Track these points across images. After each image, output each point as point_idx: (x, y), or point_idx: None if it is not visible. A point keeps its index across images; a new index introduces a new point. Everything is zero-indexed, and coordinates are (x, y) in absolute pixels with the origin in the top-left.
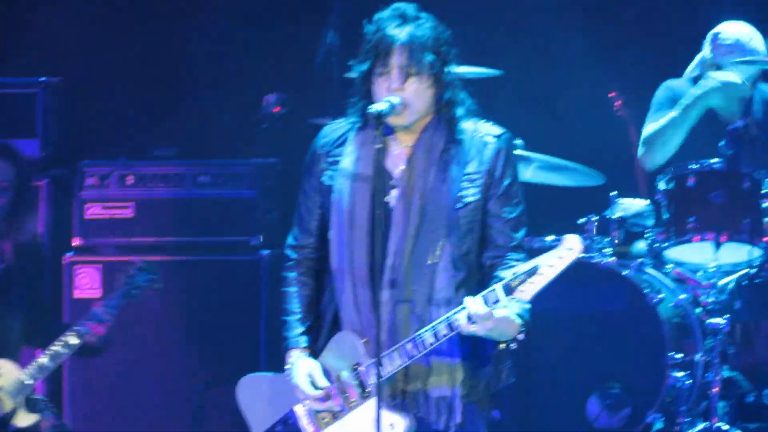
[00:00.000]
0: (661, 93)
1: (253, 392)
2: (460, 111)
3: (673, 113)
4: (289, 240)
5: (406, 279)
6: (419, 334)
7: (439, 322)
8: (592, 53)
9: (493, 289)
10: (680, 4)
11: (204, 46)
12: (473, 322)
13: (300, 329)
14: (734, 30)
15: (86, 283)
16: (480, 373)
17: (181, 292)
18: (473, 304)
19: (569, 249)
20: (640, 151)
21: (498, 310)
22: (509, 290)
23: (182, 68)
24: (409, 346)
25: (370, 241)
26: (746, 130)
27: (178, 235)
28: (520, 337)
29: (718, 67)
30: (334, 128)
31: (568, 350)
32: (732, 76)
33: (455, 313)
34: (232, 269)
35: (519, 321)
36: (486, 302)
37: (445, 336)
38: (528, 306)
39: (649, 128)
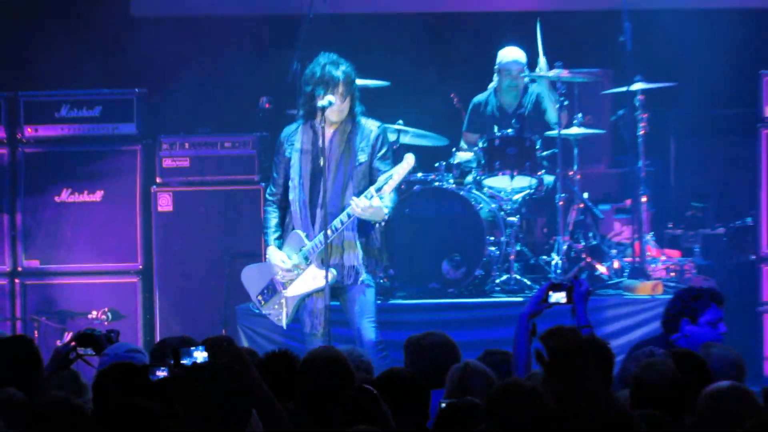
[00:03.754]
0: (471, 109)
1: (249, 275)
2: (359, 109)
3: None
4: (267, 191)
5: (329, 204)
6: (332, 224)
7: (341, 214)
8: (438, 70)
9: (369, 190)
10: (478, 42)
11: (231, 69)
12: (361, 210)
13: (273, 236)
14: (512, 54)
15: (165, 203)
16: (372, 252)
17: (215, 210)
18: (359, 200)
19: (408, 162)
20: (460, 154)
21: (374, 200)
22: (378, 189)
23: (218, 80)
24: (328, 231)
25: (309, 186)
26: (526, 113)
27: (215, 175)
28: (385, 217)
29: (508, 77)
30: (290, 127)
31: (430, 238)
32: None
33: (348, 207)
34: (243, 194)
35: (386, 209)
36: (366, 197)
37: (345, 222)
38: (391, 205)
39: (464, 153)
